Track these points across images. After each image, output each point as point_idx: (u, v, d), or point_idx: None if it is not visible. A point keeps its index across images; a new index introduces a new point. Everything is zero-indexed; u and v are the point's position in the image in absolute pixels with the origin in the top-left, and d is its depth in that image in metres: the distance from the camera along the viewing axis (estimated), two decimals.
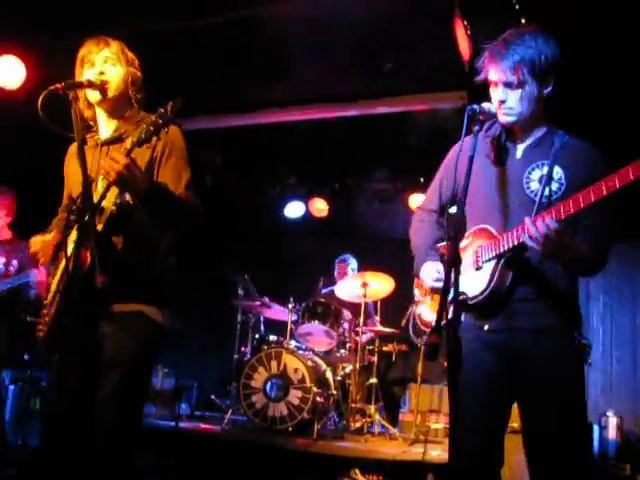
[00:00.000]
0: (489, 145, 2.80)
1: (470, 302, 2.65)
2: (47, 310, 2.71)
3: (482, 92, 2.91)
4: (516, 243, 2.53)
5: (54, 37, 5.77)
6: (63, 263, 2.65)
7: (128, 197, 2.61)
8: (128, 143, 2.49)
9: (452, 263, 2.14)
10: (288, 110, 7.13)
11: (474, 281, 2.67)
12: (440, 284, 2.63)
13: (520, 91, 2.64)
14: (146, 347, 2.78)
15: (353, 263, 7.82)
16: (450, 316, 2.25)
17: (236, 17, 5.46)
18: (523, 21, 4.74)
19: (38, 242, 2.89)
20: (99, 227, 2.58)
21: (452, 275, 2.14)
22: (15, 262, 5.09)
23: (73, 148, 3.03)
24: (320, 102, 7.01)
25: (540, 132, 2.76)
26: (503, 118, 2.70)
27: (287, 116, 7.22)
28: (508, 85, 2.64)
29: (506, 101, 2.66)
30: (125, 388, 2.68)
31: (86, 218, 2.48)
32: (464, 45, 5.17)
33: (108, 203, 2.60)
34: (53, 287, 2.73)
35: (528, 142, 2.76)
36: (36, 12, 5.44)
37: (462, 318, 2.46)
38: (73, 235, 2.60)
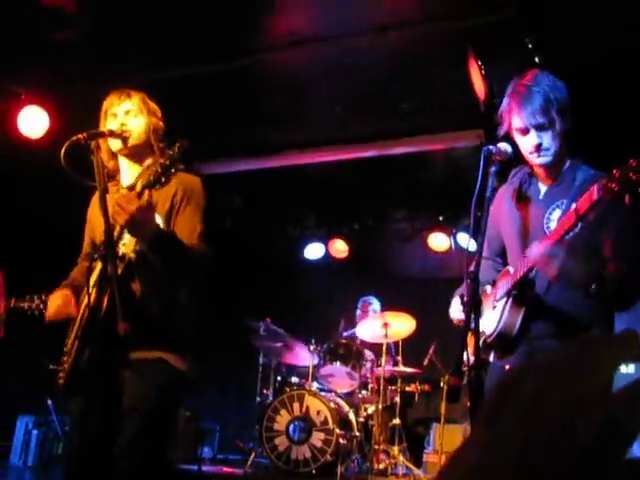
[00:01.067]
0: (515, 190, 2.83)
1: (487, 341, 2.65)
2: (67, 357, 2.73)
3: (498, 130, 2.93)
4: (520, 275, 2.54)
5: (75, 85, 5.90)
6: (82, 309, 2.67)
7: (144, 245, 2.64)
8: (138, 186, 2.52)
9: (470, 304, 2.14)
10: (306, 152, 7.20)
11: (490, 320, 2.68)
12: (458, 315, 2.63)
13: (551, 131, 2.65)
14: (167, 394, 2.78)
15: (376, 304, 7.81)
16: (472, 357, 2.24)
17: (254, 62, 5.56)
18: (537, 60, 4.79)
19: (58, 297, 2.90)
20: (119, 272, 2.59)
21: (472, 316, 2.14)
22: None
23: (96, 197, 3.07)
24: (337, 144, 7.08)
25: (562, 168, 2.76)
26: (541, 160, 2.70)
27: (305, 158, 7.28)
28: (540, 128, 2.65)
29: (543, 143, 2.67)
30: (146, 435, 2.68)
31: (108, 265, 2.50)
32: (479, 84, 5.23)
33: (127, 250, 2.63)
34: (72, 334, 2.75)
35: (551, 181, 2.76)
36: (57, 61, 5.57)
37: (491, 358, 2.46)
38: (94, 277, 2.61)
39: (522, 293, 2.60)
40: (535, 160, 2.72)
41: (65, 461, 2.79)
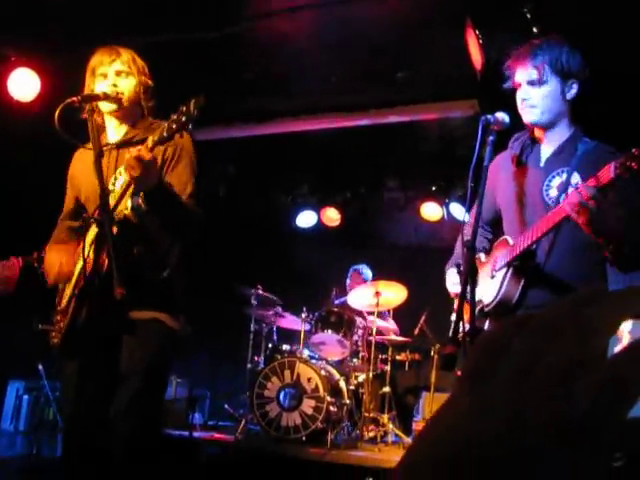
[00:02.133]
0: (515, 156, 2.82)
1: (485, 310, 2.67)
2: (61, 316, 2.72)
3: (494, 100, 2.93)
4: (524, 247, 2.54)
5: (67, 47, 5.83)
6: (78, 268, 2.66)
7: (140, 202, 2.61)
8: (149, 141, 2.47)
9: (466, 273, 2.14)
10: (300, 120, 7.16)
11: (488, 289, 2.68)
12: (457, 289, 2.64)
13: (542, 88, 2.68)
14: (162, 354, 2.80)
15: (367, 273, 7.82)
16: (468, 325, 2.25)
17: (251, 28, 5.50)
18: (535, 30, 4.76)
19: (55, 258, 2.87)
20: (114, 230, 2.57)
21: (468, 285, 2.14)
22: None
23: (80, 154, 3.04)
24: (331, 112, 7.04)
25: (564, 137, 2.76)
26: (527, 117, 2.74)
27: (298, 126, 7.24)
28: (531, 83, 2.70)
29: (529, 99, 2.70)
30: (143, 395, 2.70)
31: (105, 226, 2.48)
32: (476, 54, 5.19)
33: (121, 207, 2.61)
34: (68, 292, 2.74)
35: (552, 149, 2.76)
36: (48, 23, 5.49)
37: (486, 326, 2.47)
38: (89, 238, 2.59)
39: (523, 264, 2.61)
40: (523, 116, 2.75)
41: (64, 424, 2.79)
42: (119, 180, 2.72)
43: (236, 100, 6.66)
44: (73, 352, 2.66)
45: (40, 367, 6.16)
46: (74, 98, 2.60)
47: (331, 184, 8.97)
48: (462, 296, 2.13)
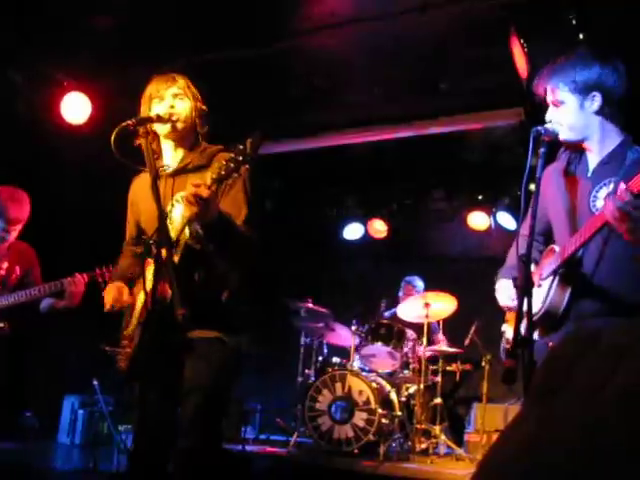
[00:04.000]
0: (564, 167, 2.83)
1: (533, 319, 2.65)
2: (127, 342, 2.79)
3: (539, 108, 2.93)
4: (570, 252, 2.53)
5: (114, 71, 5.96)
6: (142, 297, 2.72)
7: (199, 228, 2.66)
8: (208, 179, 2.53)
9: (522, 286, 2.13)
10: (345, 133, 7.20)
11: (535, 299, 2.66)
12: (510, 302, 2.66)
13: (562, 108, 2.72)
14: (226, 372, 2.85)
15: (419, 284, 7.79)
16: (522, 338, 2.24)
17: (294, 44, 5.56)
18: (581, 36, 4.72)
19: (113, 290, 2.92)
20: (175, 259, 2.63)
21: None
22: (17, 268, 4.65)
23: (139, 180, 3.10)
24: (376, 124, 7.06)
25: (612, 146, 2.73)
26: (559, 136, 2.74)
27: (344, 139, 7.28)
28: (553, 104, 2.76)
29: (553, 120, 2.74)
30: (206, 412, 2.74)
31: (164, 252, 2.54)
32: (521, 62, 5.16)
33: (183, 235, 2.66)
34: (134, 320, 2.80)
35: (599, 159, 2.74)
36: (97, 47, 5.63)
37: (535, 336, 2.47)
38: (150, 269, 2.64)
39: (569, 271, 2.58)
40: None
41: (132, 439, 2.85)
42: (176, 207, 2.77)
43: (282, 115, 6.72)
44: (139, 375, 2.71)
45: (95, 382, 6.26)
46: (129, 121, 2.65)
47: (377, 196, 8.97)
48: (519, 310, 2.12)
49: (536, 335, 2.66)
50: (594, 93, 2.69)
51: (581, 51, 2.80)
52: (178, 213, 2.78)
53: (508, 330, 2.96)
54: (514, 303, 2.59)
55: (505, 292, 2.83)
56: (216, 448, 2.84)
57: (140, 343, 2.65)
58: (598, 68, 2.70)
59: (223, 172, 2.51)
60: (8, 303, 4.42)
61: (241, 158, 2.50)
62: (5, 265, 4.54)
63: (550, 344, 2.64)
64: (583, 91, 2.69)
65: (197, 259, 2.73)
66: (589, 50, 2.81)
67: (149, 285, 2.55)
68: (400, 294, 7.82)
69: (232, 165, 2.49)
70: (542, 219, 2.91)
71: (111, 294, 2.88)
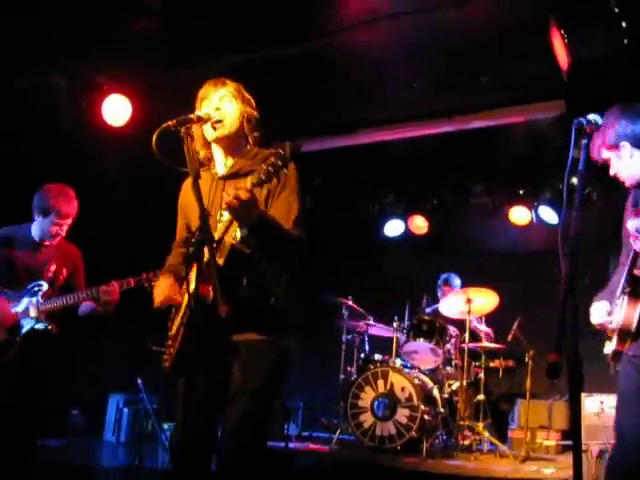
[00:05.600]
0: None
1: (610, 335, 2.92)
2: (172, 341, 2.81)
3: (581, 100, 2.91)
4: (626, 270, 2.70)
5: (154, 72, 6.02)
6: (186, 298, 2.74)
7: (246, 231, 2.67)
8: (248, 184, 2.53)
9: (565, 281, 2.12)
10: (384, 129, 7.18)
11: (615, 315, 2.92)
12: (600, 320, 2.95)
13: (619, 159, 3.04)
14: (275, 374, 2.86)
15: (456, 282, 7.75)
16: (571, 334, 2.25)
17: (334, 41, 5.56)
18: (624, 24, 4.63)
19: (163, 286, 2.94)
20: (220, 261, 2.64)
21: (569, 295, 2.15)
22: (65, 270, 4.71)
23: (188, 183, 3.12)
24: (415, 120, 7.03)
25: None
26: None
27: (383, 135, 7.26)
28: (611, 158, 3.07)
29: (616, 173, 3.08)
30: (255, 413, 2.76)
31: (206, 251, 2.55)
32: (562, 54, 5.09)
33: (229, 237, 2.68)
34: (177, 320, 2.82)
35: None
36: (136, 50, 5.68)
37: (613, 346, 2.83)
38: (194, 271, 2.65)
39: (634, 288, 2.78)
40: None
41: (173, 439, 2.89)
42: (225, 212, 2.81)
43: (320, 112, 6.72)
44: (183, 374, 2.73)
45: (139, 381, 6.34)
46: (169, 122, 2.64)
47: (417, 192, 8.93)
48: (564, 304, 2.10)
49: (615, 344, 2.89)
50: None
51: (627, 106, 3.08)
52: (226, 218, 2.80)
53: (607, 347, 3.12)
54: (604, 320, 2.90)
55: (596, 312, 3.00)
56: (261, 449, 2.85)
57: (184, 343, 2.67)
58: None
59: (263, 177, 2.52)
60: (57, 305, 4.50)
61: (280, 163, 2.51)
62: (53, 267, 4.62)
63: (630, 353, 2.86)
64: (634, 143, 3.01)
65: (244, 263, 2.74)
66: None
67: (192, 284, 2.57)
68: (439, 294, 7.77)
69: (271, 170, 2.51)
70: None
71: (161, 290, 2.90)
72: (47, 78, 5.97)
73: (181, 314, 2.79)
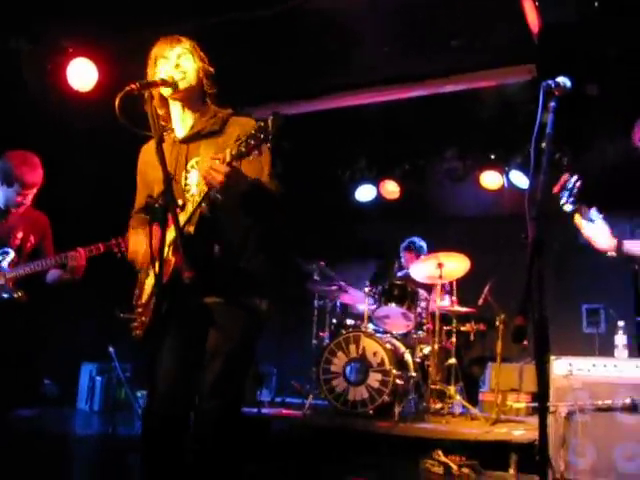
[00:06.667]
0: None
1: None
2: (142, 309, 2.78)
3: (552, 64, 2.88)
4: None
5: (120, 34, 5.90)
6: (156, 264, 2.70)
7: (217, 194, 2.63)
8: (227, 156, 2.50)
9: (531, 245, 2.12)
10: (354, 94, 7.12)
11: None
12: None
13: None
14: (249, 336, 2.86)
15: (420, 244, 7.72)
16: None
17: (302, 4, 5.48)
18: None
19: (139, 243, 2.90)
20: (190, 229, 2.64)
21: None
22: (32, 237, 4.64)
23: (148, 147, 3.07)
24: (386, 84, 6.97)
25: None
26: None
27: (354, 100, 7.20)
28: None
29: None
30: (230, 375, 2.76)
31: (169, 214, 2.51)
32: (532, 17, 5.07)
33: (194, 203, 2.65)
34: (148, 288, 2.80)
35: None
36: (102, 12, 5.56)
37: None
38: (168, 238, 2.60)
39: None
40: None
41: (146, 403, 2.86)
42: (191, 173, 2.76)
43: (290, 76, 6.64)
44: (155, 341, 2.71)
45: (111, 349, 6.31)
46: (132, 85, 2.59)
47: (389, 157, 8.89)
48: (530, 267, 2.10)
49: None
50: None
51: None
52: (194, 180, 2.76)
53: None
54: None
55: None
56: (237, 411, 2.86)
57: (154, 309, 2.63)
58: None
59: (243, 149, 2.49)
60: (24, 273, 4.44)
61: (262, 136, 2.47)
62: (20, 235, 4.55)
63: None
64: None
65: (215, 229, 2.72)
66: None
67: (164, 254, 2.53)
68: (402, 261, 7.75)
69: (252, 142, 2.47)
70: None
71: (139, 244, 2.87)
72: (8, 40, 5.81)
73: (150, 281, 2.77)
